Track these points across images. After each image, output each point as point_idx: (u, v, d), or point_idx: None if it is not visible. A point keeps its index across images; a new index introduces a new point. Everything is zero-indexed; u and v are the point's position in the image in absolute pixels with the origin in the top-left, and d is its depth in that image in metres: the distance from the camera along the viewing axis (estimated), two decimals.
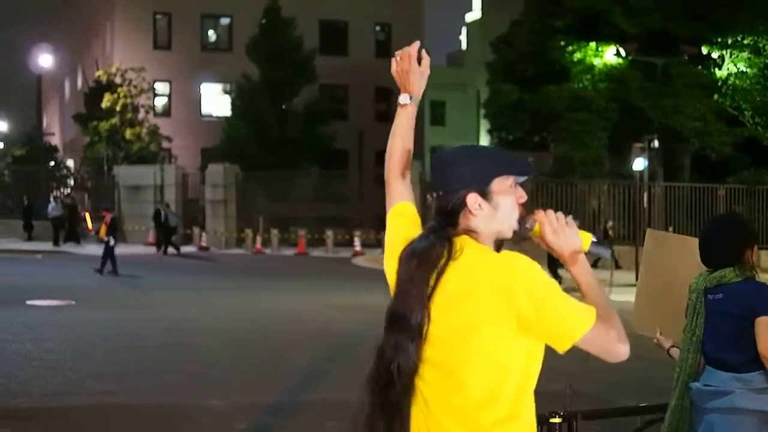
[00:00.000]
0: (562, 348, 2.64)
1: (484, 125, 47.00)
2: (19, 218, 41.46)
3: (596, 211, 33.60)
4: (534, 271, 2.63)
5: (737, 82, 34.19)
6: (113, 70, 46.13)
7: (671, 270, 4.84)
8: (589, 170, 33.54)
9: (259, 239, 36.69)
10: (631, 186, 32.47)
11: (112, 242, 25.10)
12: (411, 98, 3.19)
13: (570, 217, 2.81)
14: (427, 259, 2.65)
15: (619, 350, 2.67)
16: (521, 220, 2.78)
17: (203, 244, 36.73)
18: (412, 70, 3.15)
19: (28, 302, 18.05)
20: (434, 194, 2.77)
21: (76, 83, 63.52)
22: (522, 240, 2.82)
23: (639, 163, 31.83)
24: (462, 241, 2.69)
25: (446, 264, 2.65)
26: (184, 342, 13.85)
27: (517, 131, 38.02)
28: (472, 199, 2.70)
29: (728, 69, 34.36)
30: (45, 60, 47.38)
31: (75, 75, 64.44)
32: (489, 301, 2.59)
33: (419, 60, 3.17)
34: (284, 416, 9.27)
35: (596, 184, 33.64)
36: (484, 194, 2.72)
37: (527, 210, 2.85)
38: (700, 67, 34.55)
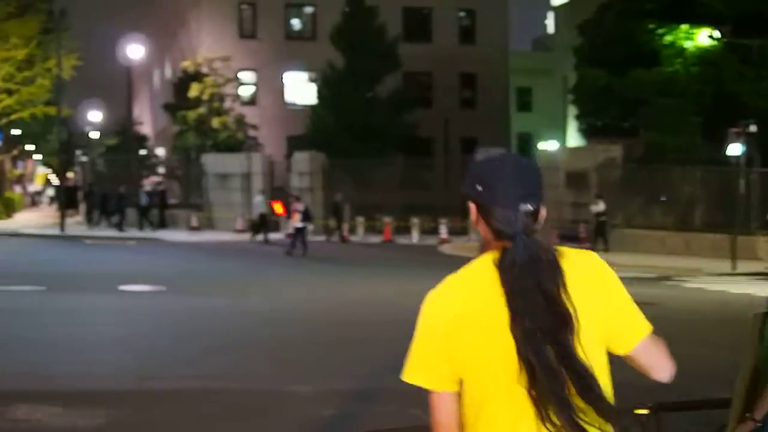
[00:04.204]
0: (627, 348, 2.61)
1: (572, 111, 46.46)
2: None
3: (690, 199, 32.90)
4: (611, 269, 2.64)
5: None
6: (200, 59, 46.69)
7: None
8: (682, 156, 32.83)
9: (345, 227, 36.83)
10: (726, 172, 31.72)
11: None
12: None
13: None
14: (548, 264, 2.53)
15: (670, 366, 2.66)
16: None
17: (290, 231, 36.91)
18: None
19: (121, 287, 18.38)
20: (527, 205, 2.58)
21: (165, 73, 64.48)
22: None
23: (735, 149, 31.05)
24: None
25: (560, 265, 2.54)
26: (271, 329, 13.93)
27: (605, 117, 37.42)
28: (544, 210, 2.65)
29: None
30: (135, 51, 48.11)
31: (163, 65, 65.44)
32: (590, 295, 2.56)
33: None
34: (369, 403, 9.26)
35: (689, 171, 32.91)
36: None
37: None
38: None
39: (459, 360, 2.54)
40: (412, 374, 2.62)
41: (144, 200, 40.57)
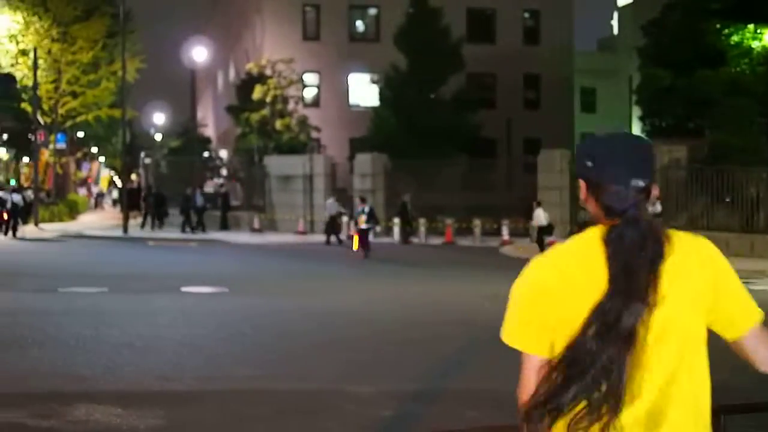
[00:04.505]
0: (737, 332, 2.58)
1: (636, 112, 45.97)
2: (175, 207, 42.86)
3: (755, 200, 32.37)
4: (722, 255, 2.62)
5: None
6: (263, 62, 47.03)
7: None
8: (747, 157, 32.30)
9: (407, 228, 36.77)
10: None
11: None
12: None
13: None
14: (652, 245, 2.51)
15: None
16: None
17: (352, 233, 37.06)
18: None
19: (183, 289, 18.56)
20: (639, 181, 2.56)
21: (228, 75, 65.04)
22: None
23: None
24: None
25: (665, 247, 2.53)
26: (331, 330, 13.97)
27: (670, 117, 36.96)
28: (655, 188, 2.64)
29: None
30: (199, 54, 48.67)
31: (227, 67, 66.01)
32: (699, 278, 2.53)
33: None
34: (428, 404, 9.24)
35: (754, 172, 32.38)
36: None
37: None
38: None
39: (556, 327, 2.52)
40: (510, 335, 2.61)
41: (200, 202, 40.84)
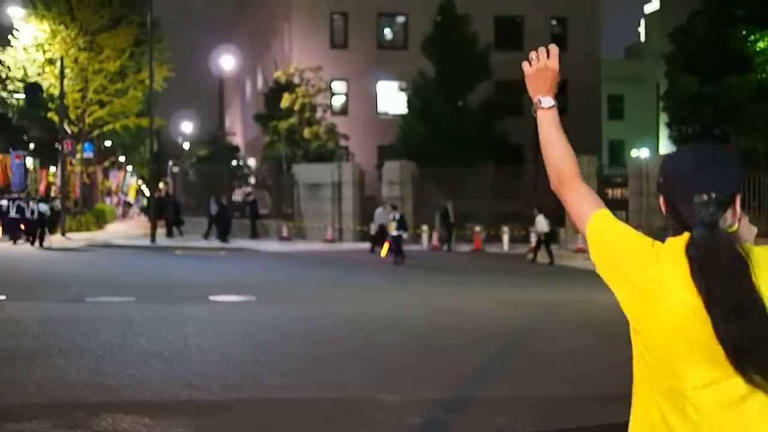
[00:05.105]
0: None
1: (663, 118, 45.72)
2: (203, 216, 43.00)
3: None
4: None
5: None
6: (291, 70, 47.13)
7: None
8: None
9: (435, 236, 36.76)
10: None
11: (405, 235, 29.99)
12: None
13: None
14: (731, 259, 2.48)
15: None
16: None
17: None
18: (556, 69, 3.07)
19: (211, 298, 18.57)
20: (702, 196, 2.56)
21: (256, 84, 65.23)
22: None
23: None
24: None
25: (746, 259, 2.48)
26: (358, 337, 13.94)
27: (697, 124, 36.78)
28: (738, 200, 2.63)
29: None
30: (227, 62, 48.81)
31: (255, 76, 66.21)
32: None
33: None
34: (455, 411, 9.21)
35: None
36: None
37: None
38: None
39: (615, 266, 2.64)
40: (602, 214, 2.76)
41: (214, 210, 40.82)
